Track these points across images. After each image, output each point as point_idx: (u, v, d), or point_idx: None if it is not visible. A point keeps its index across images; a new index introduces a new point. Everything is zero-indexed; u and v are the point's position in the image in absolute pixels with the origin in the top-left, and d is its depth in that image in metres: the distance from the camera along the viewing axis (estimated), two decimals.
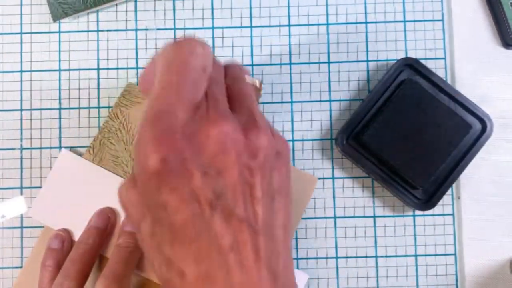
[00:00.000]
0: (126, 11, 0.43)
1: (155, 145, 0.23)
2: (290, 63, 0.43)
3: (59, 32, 0.43)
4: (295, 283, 0.26)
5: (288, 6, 0.43)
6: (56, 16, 0.43)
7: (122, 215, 0.41)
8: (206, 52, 0.26)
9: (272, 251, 0.24)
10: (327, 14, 0.43)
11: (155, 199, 0.23)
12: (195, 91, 0.25)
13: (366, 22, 0.43)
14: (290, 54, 0.43)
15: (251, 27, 0.43)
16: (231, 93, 0.27)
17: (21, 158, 0.42)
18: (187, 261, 0.23)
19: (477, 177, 0.42)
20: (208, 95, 0.25)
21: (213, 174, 0.23)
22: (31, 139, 0.43)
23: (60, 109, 0.43)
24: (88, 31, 0.43)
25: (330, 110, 0.43)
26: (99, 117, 0.43)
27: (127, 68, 0.43)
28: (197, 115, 0.24)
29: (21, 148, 0.43)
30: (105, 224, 0.40)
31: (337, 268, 0.42)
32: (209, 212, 0.23)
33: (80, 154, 0.42)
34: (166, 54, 0.26)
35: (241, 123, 0.25)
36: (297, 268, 0.42)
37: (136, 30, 0.43)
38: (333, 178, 0.42)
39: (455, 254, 0.42)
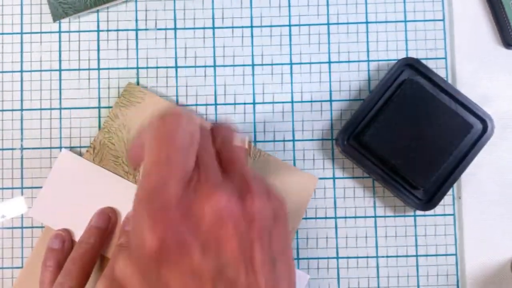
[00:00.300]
0: (126, 11, 0.43)
1: (151, 225, 0.22)
2: (291, 63, 0.43)
3: (59, 32, 0.43)
4: None
5: (289, 6, 0.43)
6: (56, 16, 0.43)
7: (123, 215, 0.41)
8: (192, 123, 0.26)
9: None
10: (328, 14, 0.43)
11: (156, 279, 0.23)
12: (185, 164, 0.24)
13: (366, 22, 0.43)
14: (290, 54, 0.43)
15: (251, 27, 0.43)
16: (222, 157, 0.27)
17: (22, 158, 0.42)
18: None
19: (478, 177, 0.42)
20: (199, 164, 0.25)
21: (212, 248, 0.23)
22: (31, 139, 0.42)
23: (60, 109, 0.43)
24: (88, 31, 0.43)
25: (331, 110, 0.43)
26: (99, 117, 0.43)
27: (127, 68, 0.43)
28: (190, 187, 0.24)
29: (21, 148, 0.43)
30: (106, 224, 0.40)
31: (338, 268, 0.42)
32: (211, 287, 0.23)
33: (80, 154, 0.42)
34: (153, 128, 0.25)
35: (234, 190, 0.25)
36: (298, 268, 0.42)
37: (136, 30, 0.43)
38: (333, 178, 0.42)
39: (456, 255, 0.42)
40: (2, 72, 0.43)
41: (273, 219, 0.26)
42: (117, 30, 0.43)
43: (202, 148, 0.26)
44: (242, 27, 0.43)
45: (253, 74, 0.43)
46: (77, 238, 0.40)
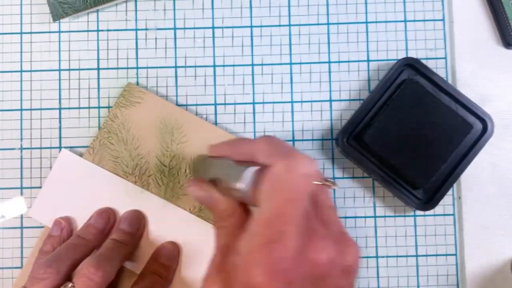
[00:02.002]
0: (126, 11, 0.43)
1: (267, 276, 0.24)
2: (290, 63, 0.43)
3: (59, 32, 0.43)
4: None
5: (288, 6, 0.43)
6: (56, 15, 0.43)
7: (120, 214, 0.41)
8: (315, 173, 0.27)
9: None
10: (328, 14, 0.43)
11: None
12: (304, 216, 0.26)
13: (366, 22, 0.43)
14: (290, 54, 0.43)
15: (251, 26, 0.43)
16: (315, 201, 0.28)
17: (21, 158, 0.42)
18: None
19: (478, 177, 0.42)
20: (310, 217, 0.26)
21: None
22: (31, 139, 0.42)
23: (60, 109, 0.43)
24: (88, 31, 0.43)
25: (331, 110, 0.43)
26: (99, 117, 0.43)
27: (127, 68, 0.43)
28: (305, 237, 0.25)
29: (21, 148, 0.42)
30: (104, 225, 0.40)
31: None
32: None
33: (80, 154, 0.42)
34: (277, 171, 0.26)
35: (335, 241, 0.26)
36: None
37: (136, 30, 0.43)
38: (333, 178, 0.42)
39: (456, 255, 0.42)
40: (2, 72, 0.43)
41: (358, 267, 0.28)
42: (117, 30, 0.43)
43: (322, 202, 0.28)
44: (242, 27, 0.43)
45: (253, 74, 0.43)
46: None
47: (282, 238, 0.24)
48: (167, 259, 0.39)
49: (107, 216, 0.40)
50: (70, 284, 0.34)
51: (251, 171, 0.28)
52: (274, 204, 0.26)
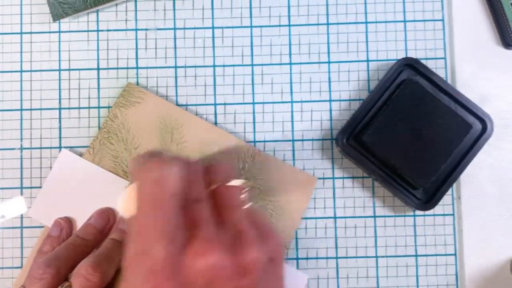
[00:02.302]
0: (126, 11, 0.43)
1: (147, 285, 0.23)
2: (290, 63, 0.43)
3: (59, 32, 0.43)
4: None
5: (288, 6, 0.43)
6: (56, 16, 0.43)
7: (118, 214, 0.41)
8: (173, 174, 0.25)
9: None
10: (327, 14, 0.43)
11: None
12: (172, 222, 0.24)
13: (366, 22, 0.43)
14: (290, 54, 0.43)
15: (251, 27, 0.43)
16: (216, 200, 0.27)
17: (21, 158, 0.42)
18: None
19: (477, 177, 0.42)
20: (193, 216, 0.25)
21: None
22: (31, 139, 0.42)
23: (60, 109, 0.43)
24: (88, 31, 0.43)
25: (330, 110, 0.43)
26: (99, 117, 0.43)
27: (127, 68, 0.43)
28: (180, 245, 0.24)
29: (21, 148, 0.43)
30: (104, 225, 0.40)
31: (337, 268, 0.42)
32: None
33: (80, 154, 0.42)
34: (137, 187, 0.25)
35: (227, 244, 0.25)
36: (297, 268, 0.42)
37: (136, 30, 0.43)
38: (333, 178, 0.42)
39: (455, 254, 0.42)
40: (2, 72, 0.43)
41: (269, 263, 0.26)
42: (117, 30, 0.43)
43: (194, 199, 0.26)
44: (242, 27, 0.43)
45: (252, 74, 0.43)
46: None
47: (148, 250, 0.24)
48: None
49: (107, 216, 0.40)
50: (66, 283, 0.34)
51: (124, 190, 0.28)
52: (136, 217, 0.25)
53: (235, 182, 0.28)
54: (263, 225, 0.27)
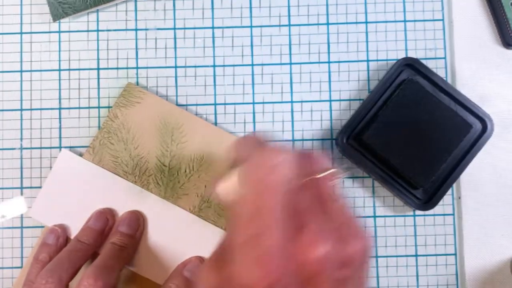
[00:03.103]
0: (126, 11, 0.43)
1: (260, 271, 0.23)
2: (290, 63, 0.43)
3: (59, 32, 0.43)
4: None
5: (288, 6, 0.43)
6: (56, 16, 0.43)
7: (118, 215, 0.41)
8: (288, 162, 0.26)
9: None
10: (327, 14, 0.43)
11: None
12: (284, 209, 0.25)
13: (366, 22, 0.43)
14: (290, 53, 0.43)
15: (251, 26, 0.43)
16: (315, 191, 0.27)
17: (21, 158, 0.42)
18: None
19: (477, 177, 0.42)
20: (296, 208, 0.26)
21: None
22: (31, 139, 0.42)
23: (60, 109, 0.43)
24: (88, 31, 0.43)
25: (330, 110, 0.43)
26: (99, 117, 0.43)
27: (127, 68, 0.43)
28: (291, 231, 0.24)
29: (21, 148, 0.43)
30: (103, 227, 0.40)
31: None
32: None
33: (80, 154, 0.42)
34: (249, 169, 0.26)
35: (335, 234, 0.25)
36: None
37: (136, 30, 0.43)
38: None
39: (455, 254, 0.42)
40: (2, 72, 0.43)
41: (366, 257, 0.27)
42: (117, 30, 0.43)
43: (297, 189, 0.26)
44: (242, 27, 0.43)
45: (252, 74, 0.43)
46: None
47: (262, 233, 0.24)
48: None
49: (106, 218, 0.40)
50: None
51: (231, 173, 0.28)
52: (246, 200, 0.25)
53: (332, 173, 0.28)
54: (356, 218, 0.28)
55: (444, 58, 0.43)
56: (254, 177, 0.25)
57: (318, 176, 0.28)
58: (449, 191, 0.41)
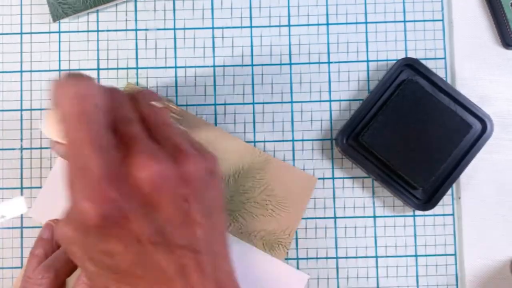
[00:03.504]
0: (126, 11, 0.43)
1: (90, 203, 0.23)
2: (290, 63, 0.43)
3: (59, 32, 0.43)
4: (237, 284, 0.28)
5: (288, 6, 0.43)
6: (56, 16, 0.43)
7: None
8: (95, 86, 0.25)
9: (216, 265, 0.26)
10: (327, 14, 0.43)
11: (97, 247, 0.24)
12: (102, 133, 0.25)
13: (366, 22, 0.43)
14: (290, 54, 0.43)
15: (251, 27, 0.43)
16: (147, 122, 0.27)
17: (21, 158, 0.42)
18: None
19: (477, 177, 0.42)
20: (126, 135, 0.26)
21: (149, 213, 0.24)
22: (31, 139, 0.43)
23: None
24: (88, 31, 0.43)
25: (330, 110, 0.43)
26: None
27: (127, 68, 0.43)
28: (117, 156, 0.24)
29: (21, 148, 0.43)
30: None
31: (337, 268, 0.42)
32: (152, 249, 0.24)
33: None
34: (57, 109, 0.25)
35: (167, 155, 0.25)
36: (297, 268, 0.42)
37: (136, 30, 0.43)
38: (333, 178, 0.42)
39: (455, 254, 0.42)
40: (2, 72, 0.43)
41: (208, 175, 0.27)
42: (117, 30, 0.43)
43: (125, 119, 0.26)
44: (242, 27, 0.43)
45: (252, 74, 0.43)
46: None
47: (85, 164, 0.24)
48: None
49: None
50: None
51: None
52: (65, 136, 0.25)
53: (161, 104, 0.29)
54: (196, 142, 0.28)
55: (444, 58, 0.43)
56: (62, 109, 0.25)
57: (144, 107, 0.28)
58: (449, 191, 0.42)
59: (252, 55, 0.43)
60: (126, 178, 0.24)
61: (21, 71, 0.43)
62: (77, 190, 0.24)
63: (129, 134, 0.26)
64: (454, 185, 0.42)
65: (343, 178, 0.42)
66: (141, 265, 0.24)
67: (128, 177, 0.24)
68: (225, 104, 0.43)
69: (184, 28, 0.43)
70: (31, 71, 0.43)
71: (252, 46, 0.43)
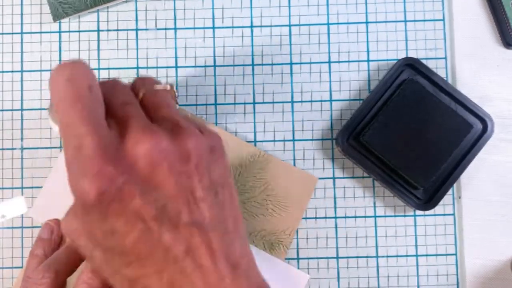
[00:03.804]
0: (126, 11, 0.43)
1: (87, 181, 0.23)
2: (291, 63, 0.43)
3: (59, 32, 0.43)
4: (255, 264, 0.27)
5: (289, 6, 0.43)
6: (56, 16, 0.43)
7: None
8: (86, 67, 0.25)
9: (227, 242, 0.25)
10: (328, 14, 0.43)
11: (100, 228, 0.24)
12: (96, 111, 0.25)
13: (366, 22, 0.43)
14: (290, 54, 0.43)
15: (251, 27, 0.43)
16: (147, 105, 0.27)
17: (22, 158, 0.42)
18: (149, 276, 0.24)
19: (478, 177, 0.42)
20: (123, 117, 0.25)
21: (151, 190, 0.24)
22: (31, 139, 0.42)
23: None
24: (88, 31, 0.43)
25: (331, 110, 0.43)
26: None
27: (127, 68, 0.43)
28: (112, 132, 0.24)
29: (22, 148, 0.43)
30: None
31: (338, 268, 0.42)
32: (156, 227, 0.24)
33: None
34: (54, 91, 0.25)
35: (165, 131, 0.25)
36: (298, 268, 0.42)
37: (136, 30, 0.43)
38: (333, 178, 0.42)
39: (456, 254, 0.42)
40: (2, 72, 0.43)
41: (210, 152, 0.26)
42: (117, 30, 0.43)
43: (124, 102, 0.26)
44: (242, 27, 0.43)
45: (253, 74, 0.43)
46: None
47: (80, 143, 0.23)
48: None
49: None
50: None
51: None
52: (61, 117, 0.25)
53: (162, 87, 0.29)
54: (199, 121, 0.28)
55: (445, 58, 0.43)
56: (57, 93, 0.25)
57: (144, 92, 0.28)
58: (450, 191, 0.41)
59: (252, 54, 0.43)
60: (123, 155, 0.24)
61: (22, 71, 0.43)
62: (74, 171, 0.24)
63: (126, 115, 0.26)
64: (454, 185, 0.42)
65: (344, 178, 0.42)
66: (147, 244, 0.24)
67: (126, 154, 0.24)
68: (225, 104, 0.43)
69: (184, 28, 0.43)
70: (31, 71, 0.43)
71: (252, 45, 0.43)
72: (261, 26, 0.43)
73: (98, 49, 0.43)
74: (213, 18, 0.43)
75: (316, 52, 0.43)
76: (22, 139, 0.43)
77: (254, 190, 0.41)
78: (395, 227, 0.42)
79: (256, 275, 0.27)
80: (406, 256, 0.42)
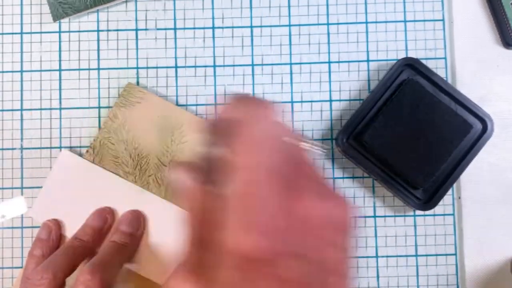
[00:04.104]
0: (126, 11, 0.43)
1: (248, 233, 0.21)
2: (291, 63, 0.43)
3: (59, 32, 0.43)
4: None
5: (289, 6, 0.43)
6: (56, 16, 0.43)
7: (118, 215, 0.41)
8: (272, 113, 0.24)
9: None
10: (327, 14, 0.43)
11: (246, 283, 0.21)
12: (281, 172, 0.23)
13: (366, 22, 0.43)
14: (290, 53, 0.43)
15: (251, 27, 0.43)
16: (295, 160, 0.25)
17: (21, 158, 0.42)
18: None
19: (477, 177, 0.42)
20: (299, 176, 0.24)
21: (305, 256, 0.22)
22: (31, 139, 0.42)
23: (60, 109, 0.43)
24: (88, 31, 0.43)
25: (331, 110, 0.43)
26: (99, 117, 0.43)
27: (127, 68, 0.43)
28: (287, 187, 0.23)
29: (21, 148, 0.43)
30: (101, 225, 0.40)
31: None
32: None
33: (80, 154, 0.42)
34: (238, 127, 0.24)
35: (322, 198, 0.24)
36: None
37: (136, 30, 0.43)
38: (333, 178, 0.42)
39: (455, 254, 0.42)
40: (2, 72, 0.43)
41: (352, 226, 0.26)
42: (117, 30, 0.43)
43: (298, 160, 0.25)
44: (242, 27, 0.43)
45: (253, 74, 0.43)
46: None
47: (259, 188, 0.21)
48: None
49: (105, 216, 0.40)
50: None
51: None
52: (239, 156, 0.22)
53: (305, 145, 0.27)
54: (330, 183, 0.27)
55: (444, 58, 0.43)
56: (248, 135, 0.23)
57: (294, 140, 0.26)
58: (449, 191, 0.41)
59: (252, 55, 0.43)
60: (295, 210, 0.22)
61: (22, 71, 0.43)
62: (238, 214, 0.21)
63: (287, 168, 0.23)
64: (454, 185, 0.42)
65: (344, 177, 0.42)
66: None
67: (297, 209, 0.22)
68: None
69: (184, 28, 0.43)
70: (31, 71, 0.43)
71: (252, 45, 0.43)
72: (261, 26, 0.43)
73: (98, 49, 0.43)
74: (213, 18, 0.43)
75: (316, 52, 0.43)
76: (22, 139, 0.43)
77: None
78: (395, 227, 0.42)
79: None
80: (406, 256, 0.42)
